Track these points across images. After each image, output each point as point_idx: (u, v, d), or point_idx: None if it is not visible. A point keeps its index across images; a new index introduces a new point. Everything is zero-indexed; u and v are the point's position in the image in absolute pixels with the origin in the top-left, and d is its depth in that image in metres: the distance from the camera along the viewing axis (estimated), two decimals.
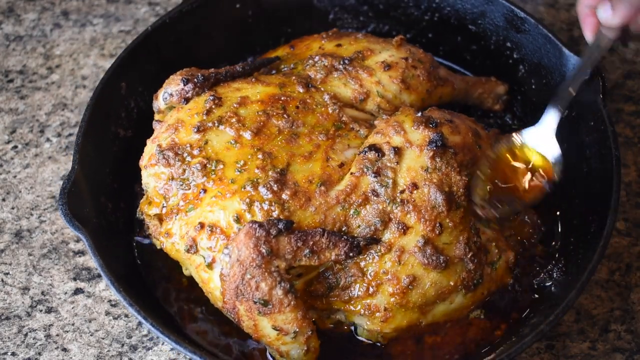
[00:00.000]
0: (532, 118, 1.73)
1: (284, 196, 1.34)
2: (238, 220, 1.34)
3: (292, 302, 1.30)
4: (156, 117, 1.57)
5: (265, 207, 1.33)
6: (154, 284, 1.53)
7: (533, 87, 1.71)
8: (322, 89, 1.53)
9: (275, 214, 1.33)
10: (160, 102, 1.53)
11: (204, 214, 1.37)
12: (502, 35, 1.73)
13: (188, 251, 1.38)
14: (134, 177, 1.62)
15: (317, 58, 1.58)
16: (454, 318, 1.44)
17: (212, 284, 1.37)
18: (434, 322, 1.42)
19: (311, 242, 1.31)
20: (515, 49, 1.72)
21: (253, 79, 1.53)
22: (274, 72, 1.63)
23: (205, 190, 1.38)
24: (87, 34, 1.95)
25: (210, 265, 1.36)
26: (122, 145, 1.62)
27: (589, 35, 1.45)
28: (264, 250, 1.27)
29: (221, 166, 1.38)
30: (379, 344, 1.44)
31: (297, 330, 1.31)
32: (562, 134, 1.62)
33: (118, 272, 1.36)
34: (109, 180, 1.56)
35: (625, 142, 1.76)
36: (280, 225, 1.29)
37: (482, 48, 1.79)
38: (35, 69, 1.85)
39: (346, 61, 1.56)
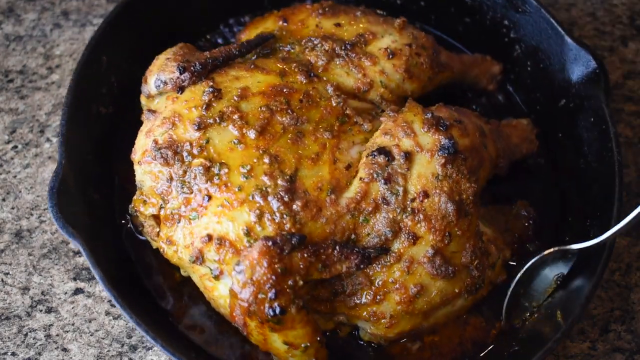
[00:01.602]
0: (526, 99, 1.69)
1: (294, 207, 1.30)
2: (248, 233, 1.29)
3: (304, 319, 1.27)
4: (144, 101, 1.49)
5: (277, 219, 1.29)
6: (146, 277, 1.49)
7: (528, 69, 1.67)
8: (325, 78, 1.48)
9: (287, 227, 1.29)
10: (151, 87, 1.45)
11: (211, 225, 1.32)
12: (500, 13, 1.67)
13: (194, 262, 1.33)
14: (114, 157, 1.59)
15: (316, 41, 1.52)
16: (453, 318, 1.44)
17: (217, 292, 1.34)
18: (434, 323, 1.41)
19: (323, 256, 1.28)
20: (513, 28, 1.67)
21: (252, 66, 1.46)
22: (268, 51, 1.55)
23: (209, 197, 1.32)
24: (87, 34, 1.94)
25: (217, 277, 1.32)
26: (103, 124, 1.57)
27: None
28: (278, 269, 1.23)
29: (225, 170, 1.33)
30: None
31: (308, 345, 1.30)
32: (559, 122, 1.58)
33: (121, 286, 1.31)
34: (93, 167, 1.51)
35: (625, 142, 1.74)
36: (294, 241, 1.25)
37: (477, 22, 1.73)
38: (35, 69, 1.84)
39: (348, 46, 1.51)
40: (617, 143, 1.44)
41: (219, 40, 1.80)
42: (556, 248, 1.41)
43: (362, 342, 1.43)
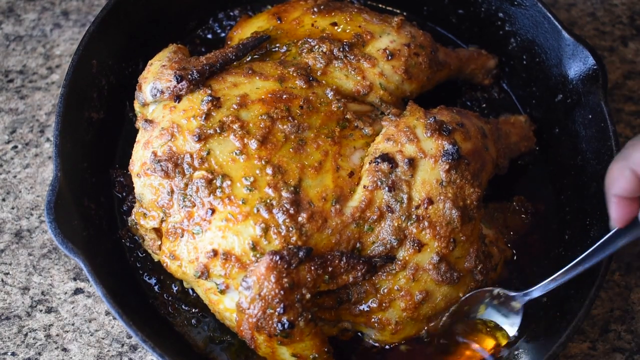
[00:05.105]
0: (521, 93, 1.67)
1: (300, 219, 1.27)
2: (254, 247, 1.26)
3: (312, 331, 1.25)
4: (138, 108, 1.44)
5: (282, 232, 1.26)
6: (148, 289, 1.47)
7: (524, 62, 1.63)
8: (324, 82, 1.44)
9: (293, 240, 1.25)
10: (147, 95, 1.39)
11: (216, 240, 1.28)
12: (495, 5, 1.64)
13: (199, 277, 1.29)
14: (108, 163, 1.57)
15: (313, 42, 1.47)
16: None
17: (222, 306, 1.32)
18: (437, 325, 1.39)
19: (330, 268, 1.25)
20: (508, 21, 1.63)
21: (249, 71, 1.42)
22: (263, 52, 1.51)
23: (213, 211, 1.28)
24: None
25: (223, 291, 1.29)
26: (95, 130, 1.53)
27: (617, 223, 1.24)
28: (286, 284, 1.20)
29: (228, 182, 1.28)
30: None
31: (317, 356, 1.28)
32: (556, 118, 1.55)
33: (124, 301, 1.29)
34: (87, 176, 1.48)
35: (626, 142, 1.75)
36: (301, 254, 1.22)
37: (471, 14, 1.70)
38: (35, 69, 1.82)
39: (346, 48, 1.47)
40: (617, 142, 1.41)
41: (209, 36, 1.77)
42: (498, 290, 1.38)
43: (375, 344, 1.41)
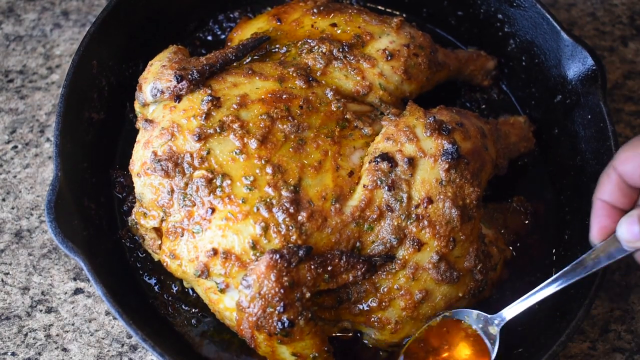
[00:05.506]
0: (520, 94, 1.67)
1: (300, 218, 1.27)
2: (254, 246, 1.26)
3: (312, 329, 1.25)
4: (138, 108, 1.44)
5: (282, 231, 1.26)
6: (148, 288, 1.47)
7: (523, 63, 1.64)
8: (324, 82, 1.44)
9: (293, 239, 1.26)
10: (147, 95, 1.39)
11: (216, 239, 1.28)
12: (494, 6, 1.64)
13: (199, 276, 1.30)
14: (108, 163, 1.57)
15: (313, 43, 1.48)
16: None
17: (222, 305, 1.32)
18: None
19: (330, 267, 1.25)
20: (507, 23, 1.63)
21: (249, 71, 1.42)
22: (263, 52, 1.52)
23: (213, 210, 1.28)
24: None
25: (223, 290, 1.29)
26: (95, 130, 1.53)
27: (595, 237, 1.24)
28: (286, 282, 1.21)
29: (228, 181, 1.29)
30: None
31: (317, 355, 1.28)
32: (555, 118, 1.56)
33: (124, 300, 1.29)
34: (87, 176, 1.48)
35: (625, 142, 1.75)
36: (301, 253, 1.22)
37: (470, 15, 1.70)
38: (35, 69, 1.82)
39: (346, 48, 1.47)
40: (616, 142, 1.41)
41: (209, 38, 1.78)
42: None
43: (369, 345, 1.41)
